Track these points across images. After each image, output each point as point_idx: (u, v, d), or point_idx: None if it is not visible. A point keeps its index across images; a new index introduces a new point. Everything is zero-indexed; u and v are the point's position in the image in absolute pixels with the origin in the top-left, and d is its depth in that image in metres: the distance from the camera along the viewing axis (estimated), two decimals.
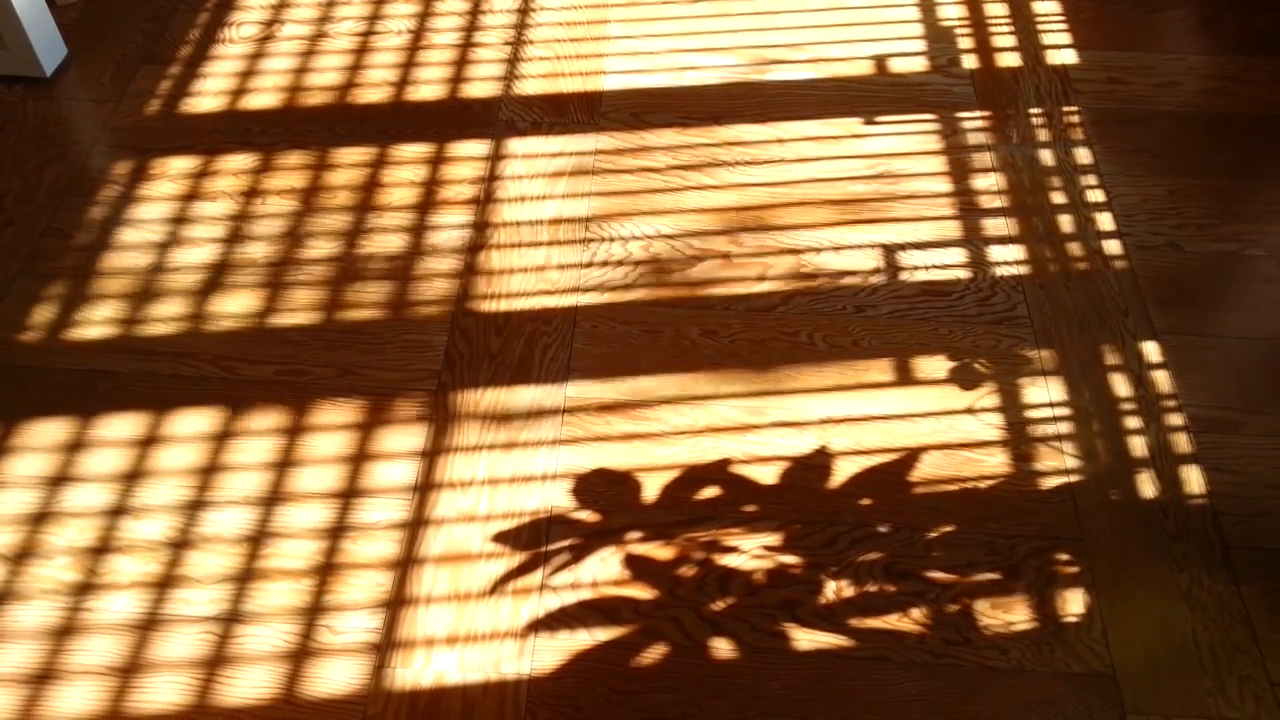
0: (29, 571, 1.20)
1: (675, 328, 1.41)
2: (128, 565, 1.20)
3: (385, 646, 1.14)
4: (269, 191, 1.58)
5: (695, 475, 1.27)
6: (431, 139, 1.65)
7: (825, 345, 1.40)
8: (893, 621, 1.16)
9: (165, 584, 1.18)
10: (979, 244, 1.51)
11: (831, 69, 1.76)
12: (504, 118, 1.69)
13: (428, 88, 1.74)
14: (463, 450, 1.29)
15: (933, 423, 1.32)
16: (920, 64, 1.76)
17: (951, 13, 1.85)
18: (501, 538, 1.22)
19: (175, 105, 1.71)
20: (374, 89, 1.73)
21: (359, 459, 1.29)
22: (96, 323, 1.42)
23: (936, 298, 1.45)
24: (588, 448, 1.30)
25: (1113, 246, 1.50)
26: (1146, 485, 1.26)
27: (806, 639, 1.15)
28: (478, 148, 1.64)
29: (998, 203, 1.56)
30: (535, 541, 1.22)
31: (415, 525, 1.23)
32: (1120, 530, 1.23)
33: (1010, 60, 1.77)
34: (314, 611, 1.17)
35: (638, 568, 1.20)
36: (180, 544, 1.21)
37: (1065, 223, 1.53)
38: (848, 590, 1.18)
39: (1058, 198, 1.56)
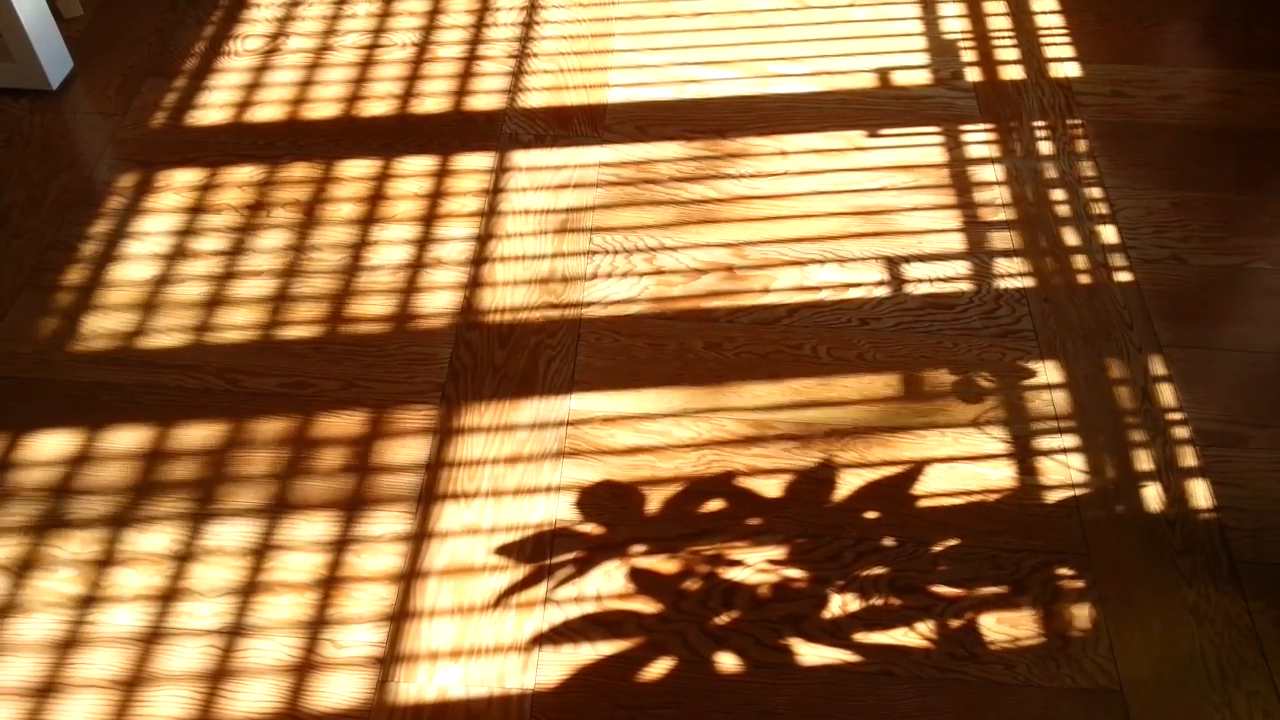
0: (32, 584, 1.19)
1: (679, 340, 1.41)
2: (131, 578, 1.20)
3: (389, 660, 1.14)
4: (273, 204, 1.59)
5: (699, 488, 1.27)
6: (436, 152, 1.66)
7: (829, 358, 1.39)
8: (898, 636, 1.15)
9: (168, 597, 1.18)
10: (983, 257, 1.51)
11: (834, 82, 1.76)
12: (508, 130, 1.69)
13: (432, 100, 1.74)
14: (466, 463, 1.29)
15: (937, 436, 1.31)
16: (923, 77, 1.76)
17: (954, 26, 1.85)
18: (505, 551, 1.22)
19: (180, 118, 1.72)
20: (378, 102, 1.74)
21: (362, 471, 1.29)
22: (101, 335, 1.43)
23: (941, 311, 1.44)
24: (592, 460, 1.30)
25: (1117, 259, 1.50)
26: (1153, 499, 1.26)
27: (811, 653, 1.14)
28: (482, 160, 1.64)
29: (1001, 216, 1.56)
30: (539, 555, 1.22)
31: (419, 538, 1.23)
32: (1126, 544, 1.22)
33: (1013, 73, 1.77)
34: (317, 625, 1.16)
35: (642, 581, 1.19)
36: (184, 557, 1.21)
37: (1069, 236, 1.53)
38: (853, 604, 1.17)
39: (1061, 211, 1.56)
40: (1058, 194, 1.59)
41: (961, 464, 1.29)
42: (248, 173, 1.63)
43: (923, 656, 1.14)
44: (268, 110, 1.73)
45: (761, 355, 1.40)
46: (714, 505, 1.26)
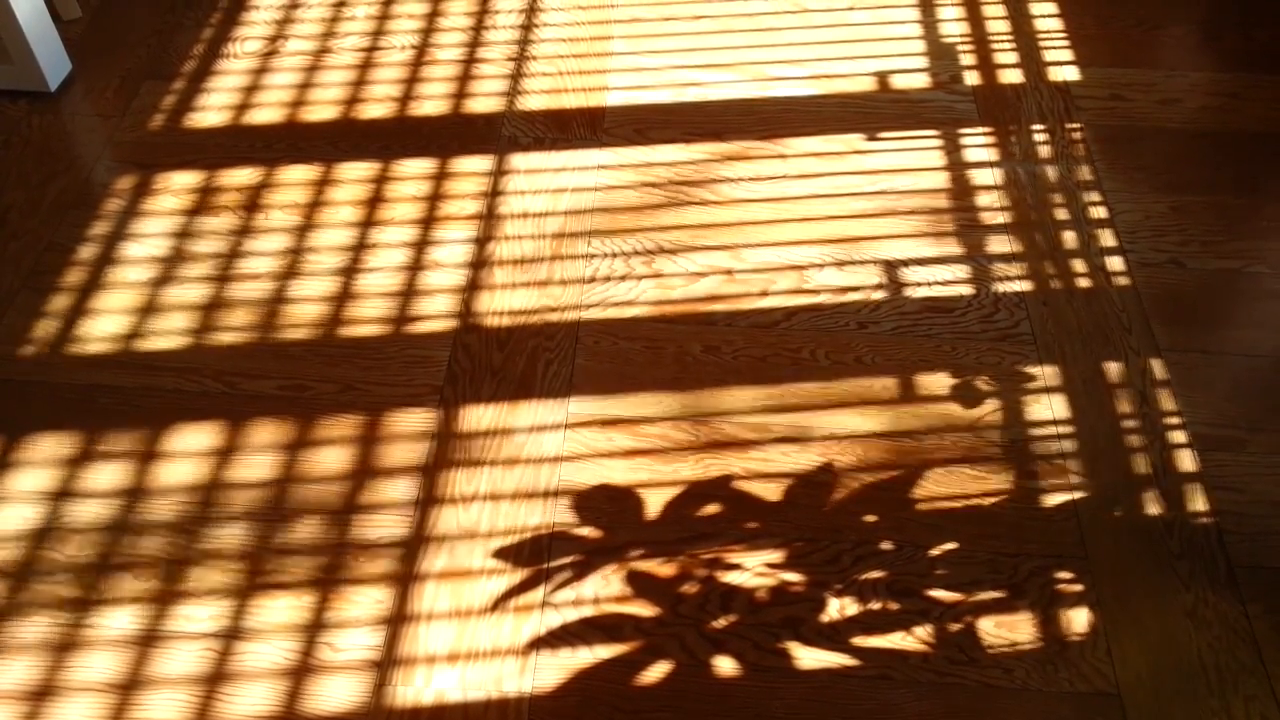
0: (29, 587, 1.19)
1: (677, 344, 1.41)
2: (128, 581, 1.19)
3: (386, 664, 1.14)
4: (272, 206, 1.59)
5: (698, 492, 1.27)
6: (434, 154, 1.66)
7: (828, 362, 1.39)
8: (896, 640, 1.15)
9: (165, 600, 1.18)
10: (982, 260, 1.51)
11: (834, 85, 1.76)
12: (507, 133, 1.69)
13: (431, 103, 1.74)
14: (464, 466, 1.29)
15: (936, 440, 1.31)
16: (922, 80, 1.77)
17: (953, 29, 1.85)
18: (503, 554, 1.22)
19: (179, 120, 1.72)
20: (377, 104, 1.74)
21: (360, 474, 1.28)
22: (98, 337, 1.42)
23: (939, 314, 1.44)
24: (590, 464, 1.29)
25: (1115, 263, 1.50)
26: (1151, 503, 1.26)
27: (809, 657, 1.14)
28: (481, 163, 1.64)
29: (1000, 219, 1.56)
30: (537, 558, 1.21)
31: (416, 541, 1.23)
32: (1124, 548, 1.22)
33: (1012, 77, 1.77)
34: (314, 628, 1.16)
35: (640, 585, 1.19)
36: (181, 560, 1.21)
37: (1068, 239, 1.53)
38: (851, 608, 1.17)
39: (1060, 214, 1.56)
40: (1056, 198, 1.59)
41: (960, 467, 1.29)
42: (246, 175, 1.63)
43: (921, 661, 1.14)
44: (266, 112, 1.73)
45: (760, 359, 1.40)
46: (712, 509, 1.26)
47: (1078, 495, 1.26)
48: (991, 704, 1.11)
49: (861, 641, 1.15)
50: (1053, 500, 1.26)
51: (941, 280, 1.48)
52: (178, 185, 1.61)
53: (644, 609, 1.17)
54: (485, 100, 1.75)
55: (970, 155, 1.65)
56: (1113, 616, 1.17)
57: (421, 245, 1.53)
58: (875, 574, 1.20)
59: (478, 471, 1.29)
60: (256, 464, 1.29)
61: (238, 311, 1.45)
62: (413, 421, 1.33)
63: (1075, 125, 1.69)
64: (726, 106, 1.73)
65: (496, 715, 1.10)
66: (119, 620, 1.17)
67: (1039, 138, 1.67)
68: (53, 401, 1.36)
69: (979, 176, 1.62)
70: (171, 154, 1.66)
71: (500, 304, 1.46)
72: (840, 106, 1.72)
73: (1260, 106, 1.72)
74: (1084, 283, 1.48)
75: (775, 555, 1.21)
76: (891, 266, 1.50)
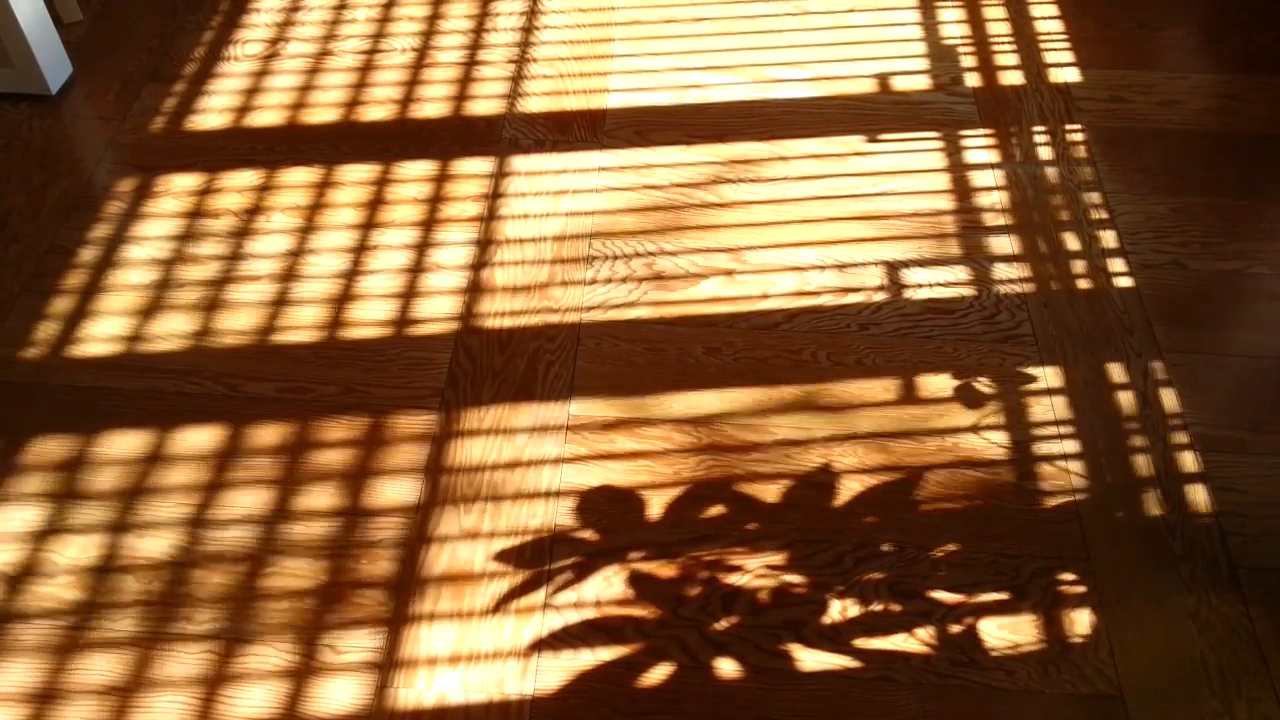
0: (31, 589, 1.19)
1: (678, 345, 1.41)
2: (130, 583, 1.19)
3: (387, 666, 1.13)
4: (273, 209, 1.59)
5: (699, 493, 1.27)
6: (435, 156, 1.66)
7: (829, 363, 1.39)
8: (898, 642, 1.15)
9: (167, 602, 1.18)
10: (983, 262, 1.51)
11: (834, 87, 1.76)
12: (508, 135, 1.69)
13: (432, 105, 1.74)
14: (465, 468, 1.29)
15: (937, 441, 1.31)
16: (923, 82, 1.77)
17: (954, 31, 1.85)
18: (504, 556, 1.22)
19: (180, 123, 1.72)
20: (378, 106, 1.74)
21: (361, 476, 1.28)
22: (100, 340, 1.42)
23: (940, 316, 1.44)
24: (591, 465, 1.29)
25: (1117, 265, 1.50)
26: (1152, 504, 1.26)
27: (811, 659, 1.14)
28: (481, 165, 1.64)
29: (1001, 221, 1.56)
30: (538, 560, 1.21)
31: (418, 543, 1.23)
32: (1126, 550, 1.22)
33: (1013, 78, 1.77)
34: (316, 630, 1.16)
35: (641, 587, 1.19)
36: (182, 562, 1.21)
37: (1069, 241, 1.53)
38: (852, 610, 1.17)
39: (1061, 216, 1.56)
40: (1057, 199, 1.59)
41: (961, 469, 1.29)
42: (247, 177, 1.63)
43: (923, 662, 1.14)
44: (267, 115, 1.73)
45: (761, 360, 1.40)
46: (713, 510, 1.26)
47: (1079, 496, 1.26)
48: (994, 706, 1.10)
49: (863, 643, 1.15)
50: (1054, 501, 1.26)
51: (943, 282, 1.48)
52: (179, 188, 1.62)
53: (645, 611, 1.17)
54: (486, 102, 1.75)
55: (971, 157, 1.65)
56: (1115, 618, 1.17)
57: (422, 247, 1.53)
58: (877, 575, 1.20)
59: (479, 474, 1.29)
60: (258, 466, 1.29)
61: (239, 314, 1.45)
62: (414, 424, 1.33)
63: (1076, 127, 1.69)
64: (727, 108, 1.73)
65: (498, 717, 1.10)
66: (120, 623, 1.16)
67: (1040, 139, 1.67)
68: (54, 404, 1.36)
69: (980, 178, 1.62)
70: (172, 156, 1.66)
71: (501, 306, 1.46)
72: (841, 108, 1.73)
73: (1261, 108, 1.72)
74: (1085, 284, 1.48)
75: (777, 557, 1.21)
76: (892, 268, 1.50)
